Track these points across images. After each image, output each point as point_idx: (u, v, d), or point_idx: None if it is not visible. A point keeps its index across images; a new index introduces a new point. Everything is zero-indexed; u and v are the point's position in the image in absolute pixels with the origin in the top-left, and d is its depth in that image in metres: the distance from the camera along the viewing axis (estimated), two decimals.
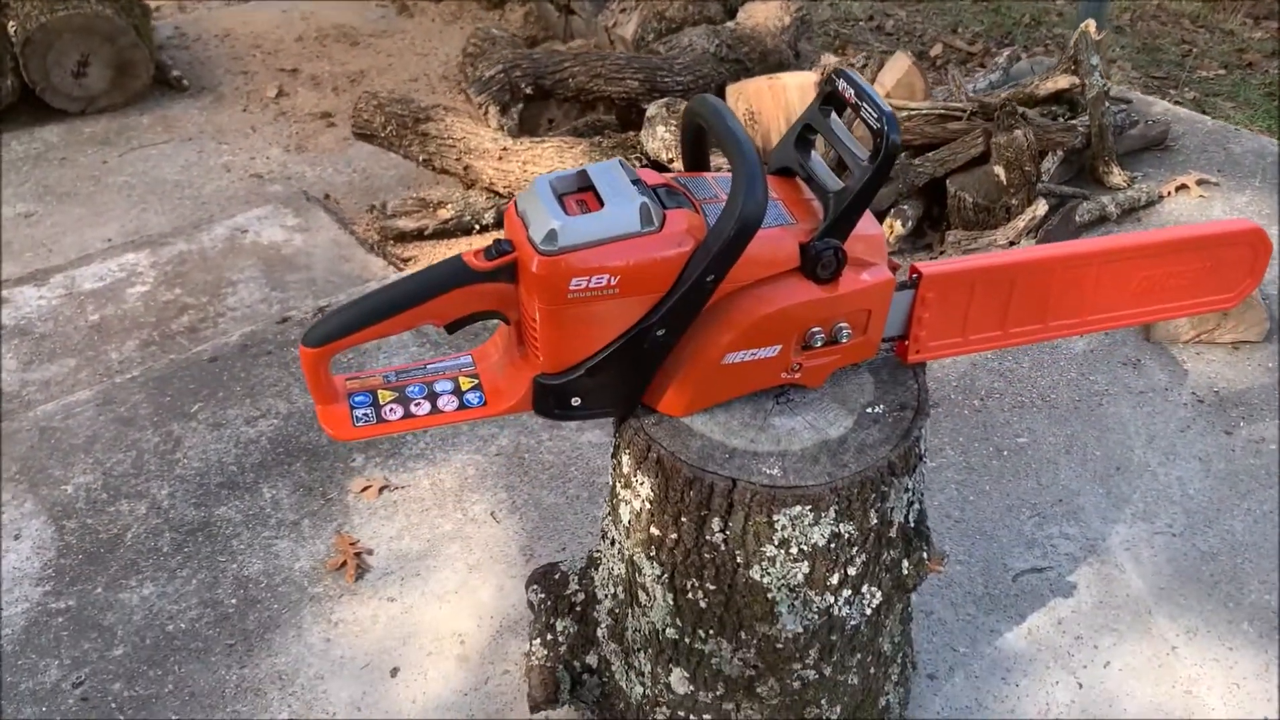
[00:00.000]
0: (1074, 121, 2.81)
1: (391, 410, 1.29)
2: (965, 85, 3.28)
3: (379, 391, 1.31)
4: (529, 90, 3.03)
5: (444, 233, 3.03)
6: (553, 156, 2.92)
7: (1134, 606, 1.77)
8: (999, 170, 2.57)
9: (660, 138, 2.83)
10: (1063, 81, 2.82)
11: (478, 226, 3.04)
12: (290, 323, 2.51)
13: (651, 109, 2.88)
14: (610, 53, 3.22)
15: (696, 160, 1.43)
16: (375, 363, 2.35)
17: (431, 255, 3.01)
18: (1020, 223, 2.59)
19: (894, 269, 1.38)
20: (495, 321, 1.31)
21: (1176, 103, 4.22)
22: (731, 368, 1.31)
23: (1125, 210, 2.76)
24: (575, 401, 1.29)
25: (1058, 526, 1.92)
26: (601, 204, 1.24)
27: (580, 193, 1.28)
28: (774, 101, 2.99)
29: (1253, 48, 5.27)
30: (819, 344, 1.33)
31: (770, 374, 1.33)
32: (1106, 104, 2.84)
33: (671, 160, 2.85)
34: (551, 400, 1.28)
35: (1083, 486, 2.00)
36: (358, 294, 2.59)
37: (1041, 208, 2.60)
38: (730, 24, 3.71)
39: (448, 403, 1.31)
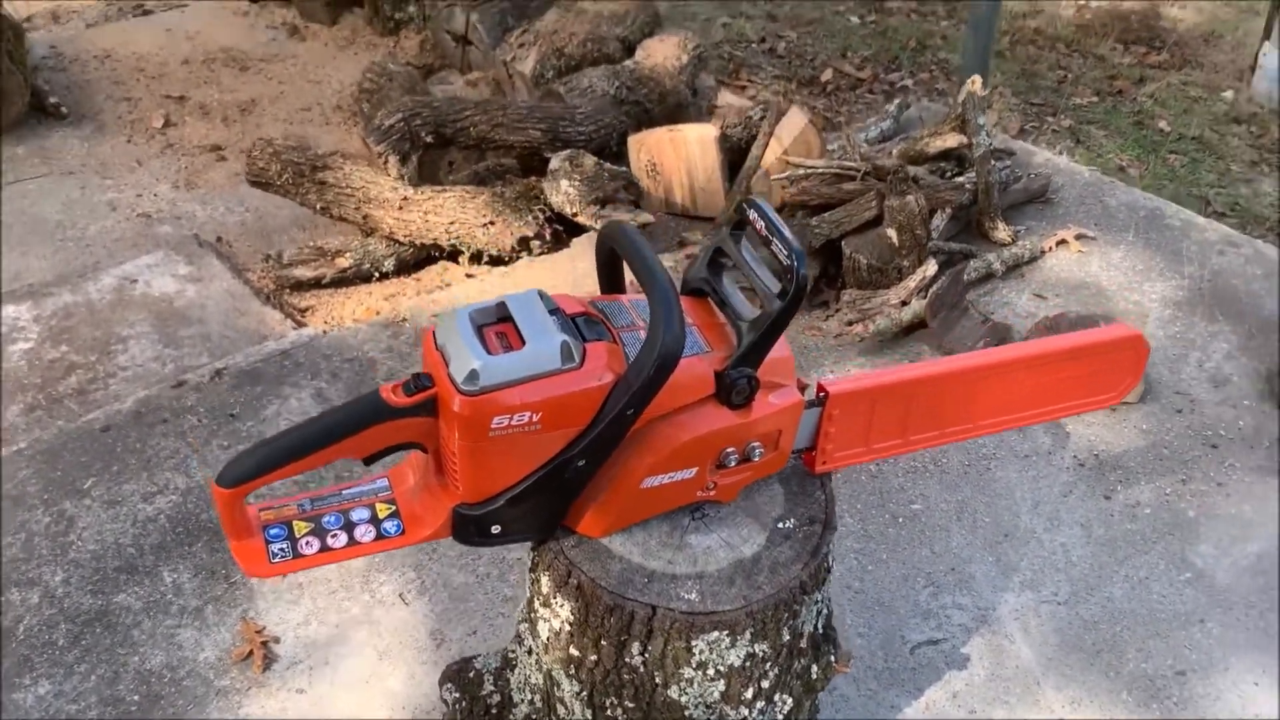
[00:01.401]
0: (961, 180, 2.92)
1: (308, 544, 1.28)
2: (858, 135, 3.38)
3: (294, 523, 1.30)
4: (429, 139, 3.01)
5: (342, 281, 2.99)
6: (454, 207, 2.90)
7: (1024, 678, 1.87)
8: (891, 233, 2.66)
9: (564, 192, 2.84)
10: (951, 140, 2.93)
11: (377, 274, 3.01)
12: (186, 387, 2.45)
13: (555, 162, 2.89)
14: (512, 101, 3.21)
15: (612, 282, 1.46)
16: None
17: (329, 304, 2.96)
18: (911, 283, 2.68)
19: (802, 388, 1.43)
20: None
21: (1058, 151, 4.41)
22: (650, 490, 1.34)
23: (1010, 267, 2.89)
24: (495, 529, 1.30)
25: (951, 596, 2.01)
26: (521, 338, 1.25)
27: (499, 324, 1.29)
28: (675, 154, 3.03)
29: (1122, 74, 5.52)
30: (733, 463, 1.37)
31: (687, 493, 1.37)
32: (992, 162, 2.96)
33: (575, 214, 2.87)
34: (472, 529, 1.29)
35: (974, 554, 2.10)
36: (255, 353, 2.56)
37: (931, 268, 2.70)
38: (629, 63, 3.73)
39: (365, 533, 1.31)
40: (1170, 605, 2.01)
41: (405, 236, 2.96)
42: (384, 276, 3.02)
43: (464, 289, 2.84)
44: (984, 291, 2.83)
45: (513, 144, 3.10)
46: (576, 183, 2.82)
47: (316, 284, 2.98)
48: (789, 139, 2.93)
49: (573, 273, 2.88)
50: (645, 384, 1.24)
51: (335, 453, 1.24)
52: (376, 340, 2.63)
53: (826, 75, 5.19)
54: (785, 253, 1.29)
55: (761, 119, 3.10)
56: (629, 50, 3.94)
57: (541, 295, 1.32)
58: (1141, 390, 2.47)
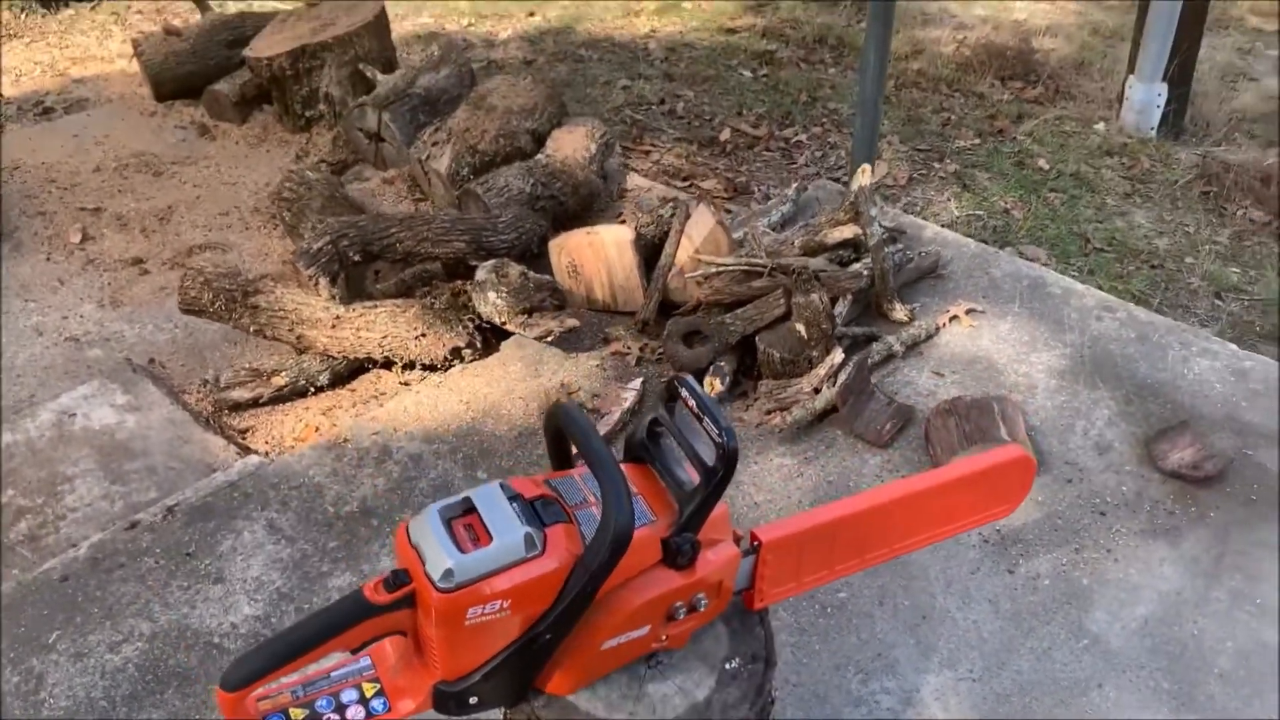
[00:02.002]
0: (858, 267, 3.15)
1: None
2: (760, 221, 3.59)
3: (290, 710, 1.43)
4: (357, 258, 3.13)
5: (280, 398, 3.09)
6: (386, 322, 3.03)
7: None
8: (800, 328, 2.87)
9: (492, 303, 2.99)
10: (847, 232, 3.16)
11: (313, 389, 3.11)
12: (140, 528, 2.52)
13: (481, 273, 3.03)
14: (435, 215, 3.35)
15: (560, 457, 1.62)
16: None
17: (269, 423, 3.06)
18: (821, 370, 2.90)
19: (737, 539, 1.61)
20: None
21: (945, 198, 4.70)
22: (610, 649, 1.50)
23: (909, 346, 3.12)
24: (473, 700, 1.45)
25: (879, 681, 2.21)
26: (488, 531, 1.40)
27: (465, 516, 1.44)
28: (594, 255, 3.21)
29: (1001, 112, 5.87)
30: (682, 615, 1.54)
31: (643, 646, 1.53)
32: (886, 250, 3.20)
33: (504, 323, 3.02)
34: (451, 703, 1.44)
35: (896, 638, 2.30)
36: (204, 487, 2.64)
37: (838, 356, 2.92)
38: (541, 158, 3.90)
39: (355, 712, 1.44)
40: (1071, 672, 2.23)
41: (339, 353, 3.07)
42: (319, 390, 3.13)
43: (401, 401, 2.96)
44: (887, 372, 3.06)
45: (438, 255, 3.24)
46: (504, 294, 2.98)
47: (254, 404, 3.07)
48: (699, 238, 3.12)
49: (505, 377, 3.03)
50: (601, 566, 1.40)
51: (325, 650, 1.38)
52: (321, 464, 2.74)
53: (725, 135, 5.42)
54: (717, 431, 1.46)
55: (672, 216, 3.29)
56: (539, 142, 4.11)
57: (503, 486, 1.48)
58: (1035, 465, 2.70)
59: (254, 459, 2.77)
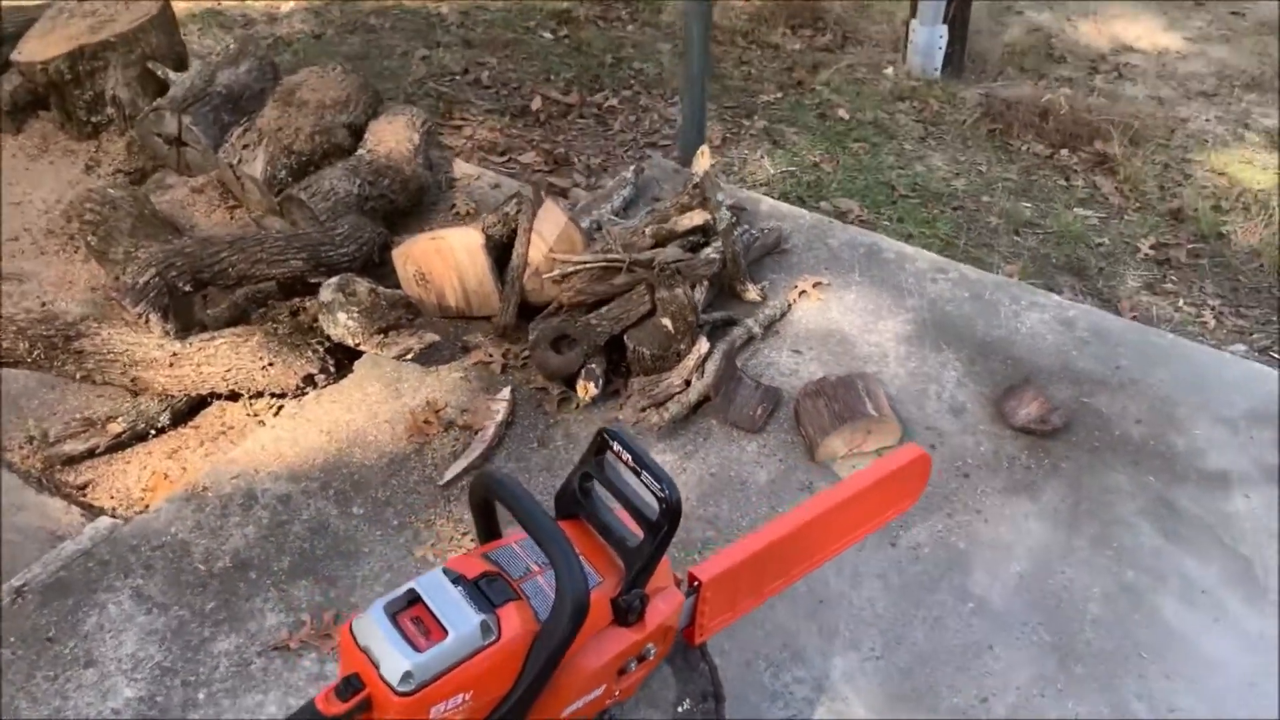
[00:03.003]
0: (710, 252, 3.17)
1: None
2: (604, 208, 3.56)
3: None
4: (188, 288, 2.91)
5: (118, 445, 2.86)
6: (228, 354, 2.84)
7: None
8: (666, 322, 2.88)
9: (343, 325, 2.84)
10: (698, 219, 3.17)
11: (153, 431, 2.89)
12: None
13: (326, 293, 2.88)
14: (267, 234, 3.14)
15: (488, 528, 1.57)
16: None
17: (110, 474, 2.82)
18: (690, 362, 2.92)
19: (678, 583, 1.61)
20: None
21: (759, 156, 4.77)
22: (568, 716, 1.48)
23: (766, 327, 3.18)
24: None
25: (790, 672, 2.28)
26: (440, 623, 1.35)
27: (411, 608, 1.38)
28: (444, 262, 3.10)
29: (798, 63, 5.98)
30: (633, 667, 1.53)
31: (599, 705, 1.52)
32: (736, 233, 3.24)
33: (358, 344, 2.88)
34: None
35: (799, 625, 2.37)
36: (54, 560, 2.43)
37: (704, 345, 2.95)
38: (364, 154, 3.72)
39: None
40: (963, 638, 2.37)
41: (180, 391, 2.86)
42: (160, 431, 2.91)
43: (258, 439, 2.79)
44: (749, 355, 3.11)
45: (274, 277, 3.05)
46: (355, 314, 2.84)
47: (90, 455, 2.83)
48: (552, 236, 3.06)
49: (364, 400, 2.90)
50: (561, 641, 1.37)
51: None
52: (181, 518, 2.56)
53: (536, 103, 5.33)
54: (658, 485, 1.45)
55: (518, 213, 3.21)
56: (356, 136, 3.92)
57: (445, 571, 1.42)
58: (901, 433, 2.83)
59: (105, 521, 2.55)
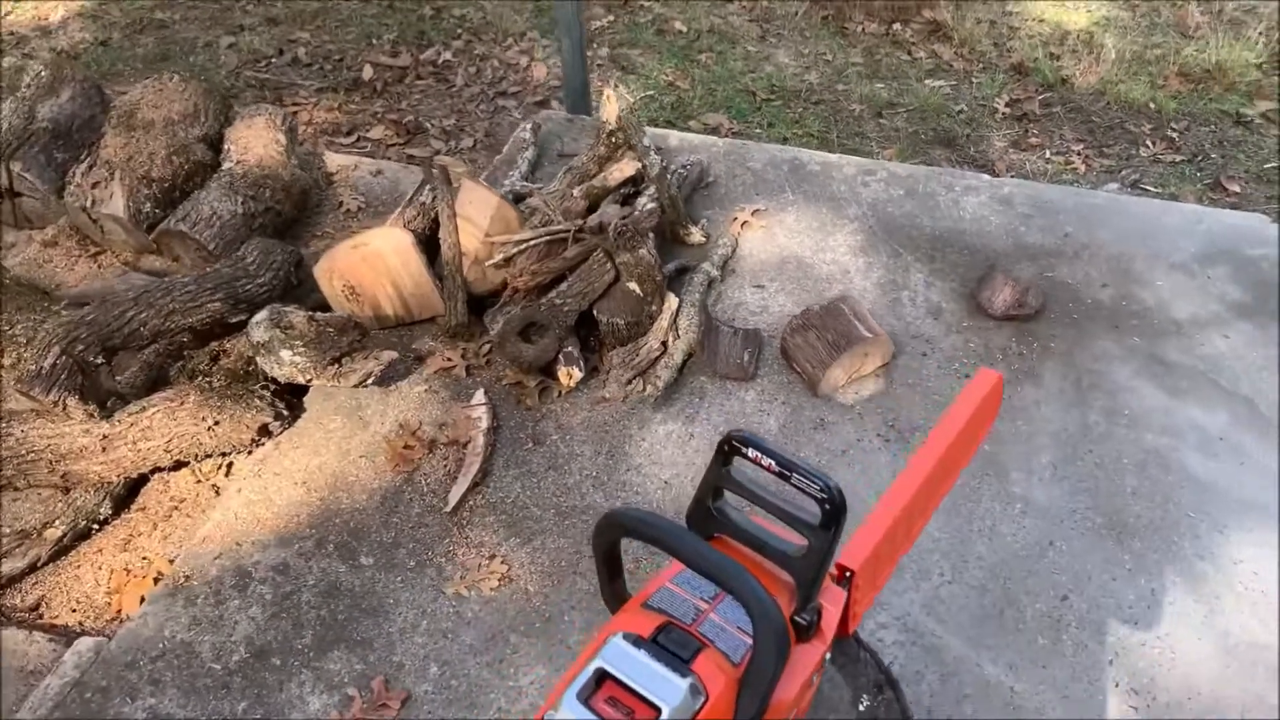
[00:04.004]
0: (647, 201, 3.00)
1: None
2: (513, 175, 3.33)
3: None
4: (99, 360, 2.56)
5: (61, 551, 2.52)
6: (165, 423, 2.52)
7: (964, 666, 2.12)
8: (634, 286, 2.71)
9: (290, 363, 2.56)
10: (629, 169, 2.99)
11: (96, 526, 2.56)
12: None
13: (259, 332, 2.58)
14: (172, 281, 2.77)
15: (613, 571, 1.42)
16: None
17: (61, 586, 2.48)
18: (664, 322, 2.77)
19: (832, 579, 1.48)
20: None
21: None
22: None
23: (721, 267, 3.05)
24: None
25: (873, 619, 2.20)
26: (644, 698, 1.20)
27: (601, 687, 1.22)
28: (373, 271, 2.83)
29: None
30: (815, 681, 1.41)
31: None
32: (669, 176, 3.08)
33: (311, 380, 2.61)
34: None
35: None
36: (43, 701, 2.13)
37: (674, 302, 2.80)
38: (232, 166, 3.35)
39: None
40: (1022, 541, 2.34)
41: (119, 475, 2.54)
42: (104, 523, 2.58)
43: (228, 509, 2.50)
44: (714, 300, 2.98)
45: (193, 325, 2.72)
46: (300, 349, 2.56)
47: (33, 569, 2.48)
48: (485, 219, 2.83)
49: (330, 438, 2.64)
50: (771, 680, 1.24)
51: None
52: (173, 618, 2.27)
53: (367, 73, 4.99)
54: (816, 485, 1.32)
55: (434, 201, 2.95)
56: (215, 149, 3.54)
57: (625, 636, 1.26)
58: (893, 350, 2.76)
59: (86, 642, 2.24)
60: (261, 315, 2.64)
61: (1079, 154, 4.28)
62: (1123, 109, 4.57)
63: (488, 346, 2.83)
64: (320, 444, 2.63)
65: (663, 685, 1.19)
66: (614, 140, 3.14)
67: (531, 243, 2.80)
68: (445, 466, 2.56)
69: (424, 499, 2.49)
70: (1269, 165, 4.11)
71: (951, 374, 2.73)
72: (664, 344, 2.76)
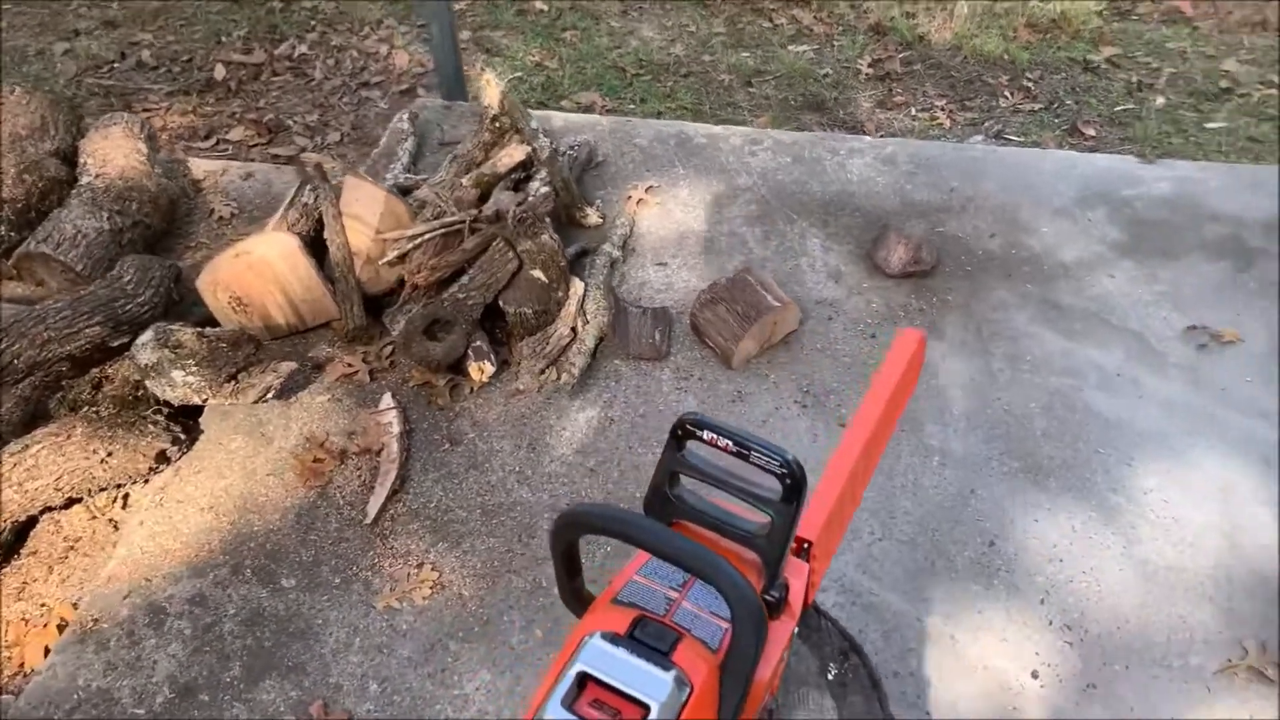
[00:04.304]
0: (539, 186, 2.94)
1: None
2: (394, 168, 3.23)
3: None
4: None
5: None
6: (51, 459, 2.36)
7: (904, 621, 2.15)
8: (538, 274, 2.66)
9: (182, 384, 2.43)
10: (519, 154, 2.93)
11: None
12: None
13: (145, 354, 2.43)
14: (45, 308, 2.56)
15: (572, 570, 1.38)
16: None
17: None
18: (571, 307, 2.72)
19: (793, 551, 1.48)
20: None
21: (479, 69, 4.48)
22: None
23: (622, 247, 3.02)
24: None
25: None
26: (630, 697, 1.17)
27: (583, 691, 1.19)
28: (259, 279, 2.70)
29: None
30: (788, 659, 1.40)
31: (763, 707, 1.39)
32: (560, 159, 3.02)
33: (208, 400, 2.48)
34: None
35: None
36: None
37: (579, 286, 2.75)
38: (91, 180, 3.15)
39: None
40: (944, 491, 2.39)
41: (7, 519, 2.36)
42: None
43: (131, 544, 2.36)
44: (617, 281, 2.95)
45: (71, 353, 2.55)
46: (193, 368, 2.42)
47: None
48: (374, 216, 2.73)
49: (233, 459, 2.52)
50: (753, 663, 1.23)
51: None
52: (85, 664, 2.13)
53: (219, 72, 4.78)
54: (777, 461, 1.31)
55: (316, 201, 2.84)
56: (70, 163, 3.33)
57: (602, 636, 1.22)
58: (799, 315, 2.78)
59: None
60: (147, 336, 2.49)
61: (943, 109, 4.39)
62: (979, 62, 4.69)
63: (390, 348, 2.73)
64: (223, 466, 2.50)
65: (648, 681, 1.16)
66: (499, 125, 3.07)
67: (426, 237, 2.71)
68: (360, 477, 2.47)
69: (341, 513, 2.40)
70: (1119, 108, 4.28)
71: (858, 335, 2.77)
72: (574, 330, 2.71)
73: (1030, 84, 4.48)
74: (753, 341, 2.66)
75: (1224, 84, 4.36)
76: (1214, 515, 2.33)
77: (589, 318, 2.71)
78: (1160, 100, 4.29)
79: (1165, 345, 2.71)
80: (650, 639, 1.23)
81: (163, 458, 2.48)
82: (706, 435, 1.33)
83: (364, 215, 2.76)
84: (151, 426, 2.46)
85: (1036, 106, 4.35)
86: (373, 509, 2.38)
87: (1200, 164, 3.42)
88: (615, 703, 1.16)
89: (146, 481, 2.51)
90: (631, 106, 4.56)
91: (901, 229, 3.02)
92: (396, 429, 2.53)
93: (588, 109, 4.40)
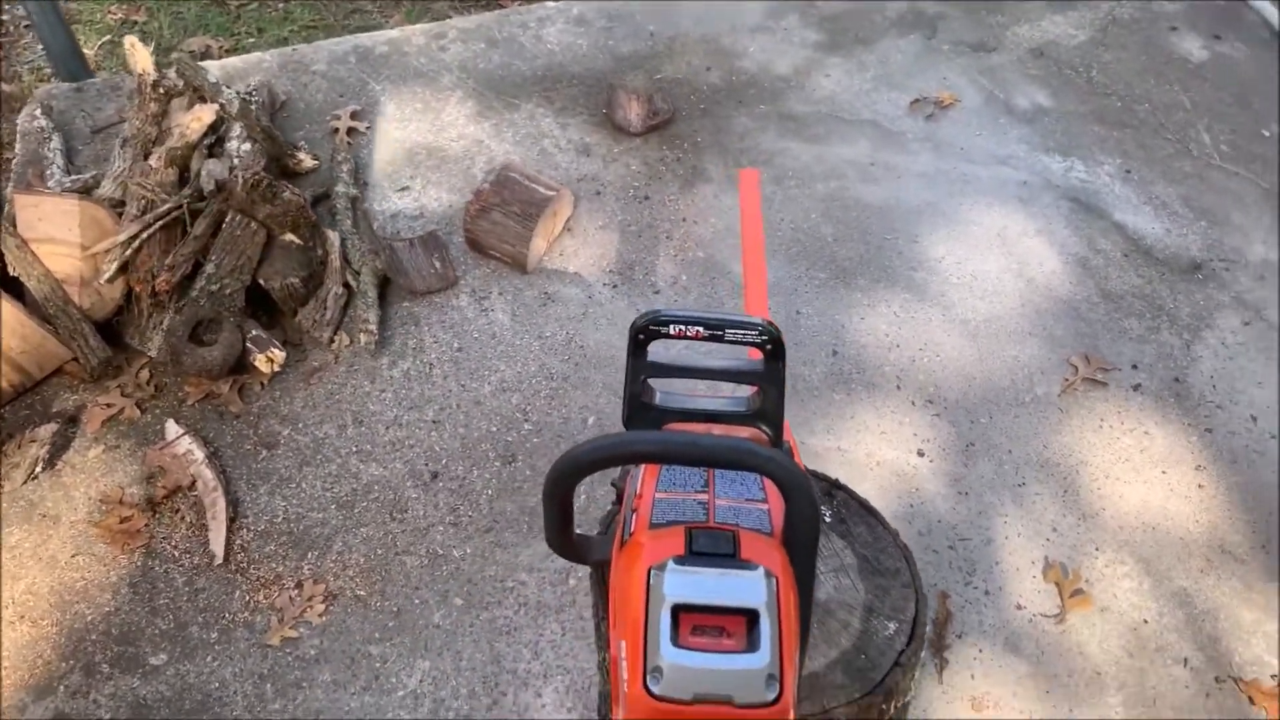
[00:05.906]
0: (242, 144, 2.61)
1: None
2: (56, 173, 2.75)
3: None
4: None
5: None
6: None
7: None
8: (291, 237, 2.38)
9: None
10: (209, 115, 2.56)
11: None
12: None
13: None
14: None
15: (565, 519, 1.27)
16: None
17: None
18: (336, 262, 2.48)
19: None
20: None
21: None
22: None
23: (354, 181, 2.75)
24: None
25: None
26: (732, 608, 1.12)
27: (679, 622, 1.12)
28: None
29: None
30: None
31: None
32: (252, 109, 2.68)
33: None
34: None
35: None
36: None
37: (335, 237, 2.50)
38: None
39: None
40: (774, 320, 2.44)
41: None
42: None
43: None
44: (361, 214, 2.70)
45: None
46: None
47: None
48: (73, 232, 2.31)
49: (18, 554, 2.12)
50: (816, 530, 1.20)
51: None
52: None
53: None
54: (755, 331, 1.26)
55: None
56: None
57: (676, 563, 1.15)
58: (572, 195, 2.68)
59: None
60: None
61: None
62: None
63: (147, 372, 2.37)
64: (13, 568, 2.10)
65: (739, 587, 1.10)
66: (162, 92, 2.67)
67: (144, 236, 2.34)
68: (184, 520, 2.16)
69: (181, 564, 2.09)
70: None
71: (632, 200, 2.72)
72: (347, 285, 2.47)
73: None
74: (541, 239, 2.55)
75: None
76: (1002, 259, 2.54)
77: (357, 266, 2.48)
78: None
79: (899, 125, 2.88)
80: (711, 547, 1.16)
81: None
82: (674, 330, 1.25)
83: (58, 234, 2.33)
84: None
85: None
86: (218, 547, 2.10)
87: None
88: (715, 621, 1.09)
89: None
90: (251, 40, 4.13)
91: (626, 86, 2.96)
92: (200, 454, 2.22)
93: (204, 56, 3.93)
